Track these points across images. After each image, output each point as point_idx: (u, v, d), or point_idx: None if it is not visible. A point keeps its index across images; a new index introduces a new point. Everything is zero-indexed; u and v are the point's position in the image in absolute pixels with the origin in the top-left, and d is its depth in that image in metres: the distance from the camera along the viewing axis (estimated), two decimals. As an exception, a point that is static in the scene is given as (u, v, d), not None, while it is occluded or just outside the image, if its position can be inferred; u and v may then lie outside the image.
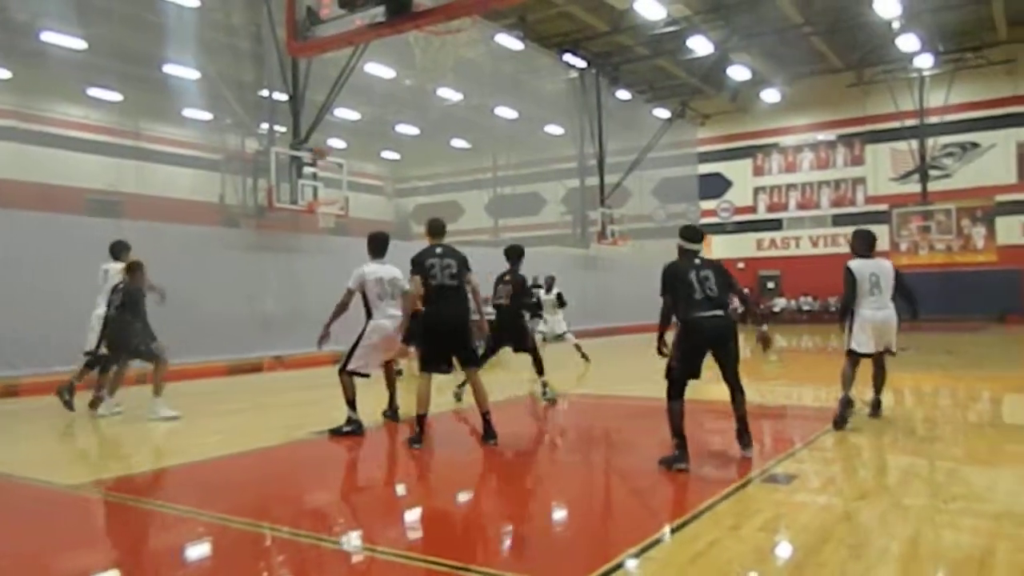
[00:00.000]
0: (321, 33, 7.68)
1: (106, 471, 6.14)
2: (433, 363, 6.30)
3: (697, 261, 5.63)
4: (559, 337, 13.21)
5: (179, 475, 5.79)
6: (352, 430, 6.82)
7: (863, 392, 7.16)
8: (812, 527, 3.97)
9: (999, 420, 8.10)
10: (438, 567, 3.50)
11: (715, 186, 31.22)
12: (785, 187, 29.88)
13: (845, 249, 28.09)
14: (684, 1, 20.61)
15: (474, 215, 36.49)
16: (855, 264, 6.94)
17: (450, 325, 6.22)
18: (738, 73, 25.33)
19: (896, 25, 21.57)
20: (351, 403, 6.88)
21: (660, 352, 5.63)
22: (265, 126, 16.16)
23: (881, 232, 25.41)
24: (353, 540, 4.18)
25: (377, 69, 23.06)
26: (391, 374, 7.46)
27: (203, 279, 12.50)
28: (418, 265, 6.29)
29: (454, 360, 6.48)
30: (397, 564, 3.65)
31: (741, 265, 29.02)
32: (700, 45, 22.41)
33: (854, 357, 6.92)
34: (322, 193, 15.43)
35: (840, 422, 6.70)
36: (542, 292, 12.71)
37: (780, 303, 28.65)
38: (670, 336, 5.58)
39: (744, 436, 5.64)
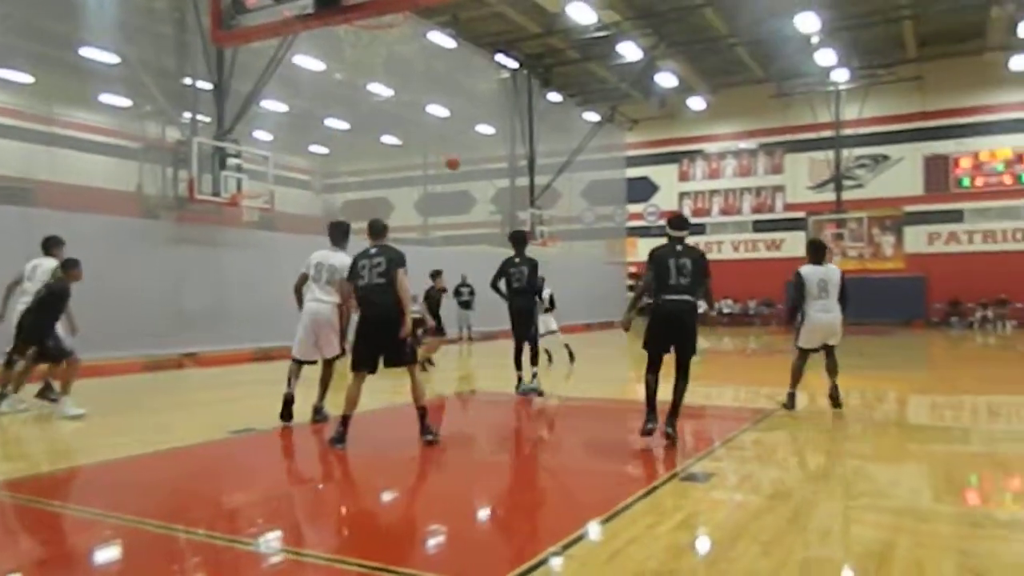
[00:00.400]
0: (247, 22, 7.48)
1: (9, 471, 5.84)
2: (360, 363, 6.22)
3: (679, 248, 6.14)
4: (550, 334, 13.26)
5: (88, 475, 5.56)
6: (286, 403, 7.02)
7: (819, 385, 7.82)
8: (727, 525, 4.10)
9: (903, 420, 8.51)
10: (359, 568, 3.45)
11: (642, 190, 31.82)
12: (709, 193, 30.71)
13: (765, 254, 29.14)
14: (614, 7, 20.93)
15: (404, 212, 36.07)
16: (805, 270, 7.72)
17: (375, 323, 6.15)
18: (666, 80, 25.97)
19: (815, 40, 22.42)
20: (288, 382, 7.06)
21: (624, 328, 6.48)
22: (188, 115, 15.59)
23: (799, 239, 26.40)
24: (270, 542, 4.08)
25: (306, 61, 22.56)
26: (327, 374, 7.33)
27: (119, 271, 11.99)
28: (351, 269, 6.36)
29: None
30: (317, 566, 3.60)
31: (666, 268, 29.59)
32: (629, 51, 22.83)
33: (803, 353, 7.79)
34: (247, 186, 15.03)
35: (785, 408, 7.78)
36: None
37: (702, 305, 29.39)
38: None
39: (672, 419, 5.99)
